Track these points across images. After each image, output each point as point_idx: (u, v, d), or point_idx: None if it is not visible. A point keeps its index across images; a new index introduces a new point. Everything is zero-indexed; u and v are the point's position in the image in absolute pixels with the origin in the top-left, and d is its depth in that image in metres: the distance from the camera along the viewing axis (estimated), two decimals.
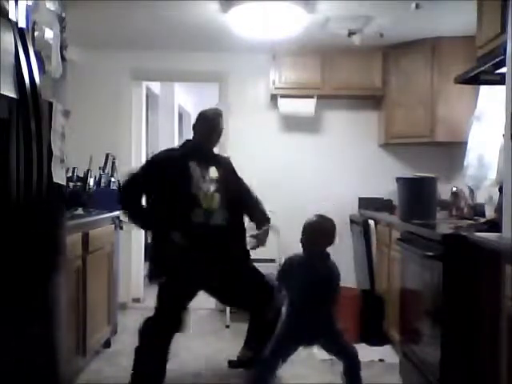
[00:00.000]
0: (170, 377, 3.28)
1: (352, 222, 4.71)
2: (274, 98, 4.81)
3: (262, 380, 2.69)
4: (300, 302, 2.67)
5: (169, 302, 3.11)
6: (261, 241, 3.24)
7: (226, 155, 3.43)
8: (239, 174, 3.33)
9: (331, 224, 2.77)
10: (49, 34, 2.03)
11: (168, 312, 3.06)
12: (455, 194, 3.76)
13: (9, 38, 1.70)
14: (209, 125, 3.16)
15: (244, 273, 3.15)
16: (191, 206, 2.97)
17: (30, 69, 1.77)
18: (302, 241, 2.74)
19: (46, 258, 1.99)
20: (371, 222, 4.16)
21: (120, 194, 3.20)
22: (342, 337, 2.72)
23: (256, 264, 3.38)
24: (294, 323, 2.68)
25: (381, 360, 3.59)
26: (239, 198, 3.20)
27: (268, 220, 3.32)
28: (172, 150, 3.30)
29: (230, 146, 4.82)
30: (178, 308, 3.08)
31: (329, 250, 2.76)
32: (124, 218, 3.37)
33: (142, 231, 5.34)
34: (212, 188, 3.04)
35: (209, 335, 3.93)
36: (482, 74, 2.99)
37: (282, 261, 2.96)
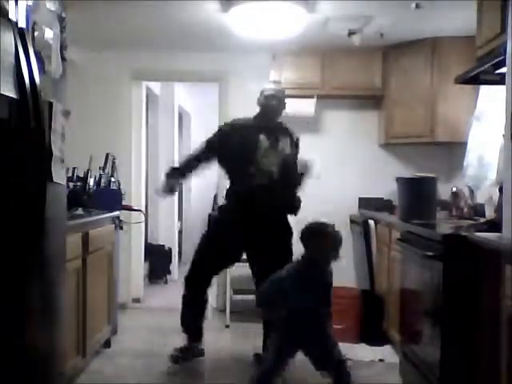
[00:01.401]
0: (169, 377, 3.28)
1: (352, 221, 4.70)
2: None
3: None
4: (299, 311, 2.63)
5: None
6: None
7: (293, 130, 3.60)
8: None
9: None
10: (49, 33, 2.03)
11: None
12: (455, 194, 3.76)
13: (9, 38, 1.70)
14: (274, 101, 3.43)
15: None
16: (250, 165, 3.30)
17: (30, 69, 1.77)
18: (319, 246, 2.68)
19: (45, 259, 1.99)
20: (371, 222, 4.16)
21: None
22: (336, 350, 2.68)
23: None
24: (292, 332, 2.64)
25: (381, 360, 3.59)
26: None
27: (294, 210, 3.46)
28: (244, 119, 3.51)
29: None
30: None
31: None
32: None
33: (143, 231, 5.36)
34: (277, 158, 3.35)
35: (209, 335, 3.92)
36: (481, 74, 2.99)
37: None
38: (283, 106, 3.50)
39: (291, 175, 3.39)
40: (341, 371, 2.66)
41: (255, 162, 3.30)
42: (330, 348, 2.67)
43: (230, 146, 3.37)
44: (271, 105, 3.41)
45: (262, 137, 3.34)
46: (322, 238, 2.69)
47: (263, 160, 3.32)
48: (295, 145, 3.50)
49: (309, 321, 2.63)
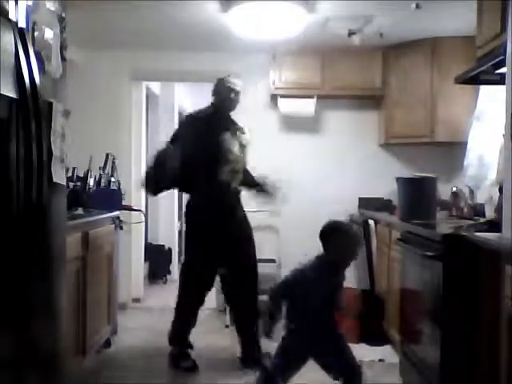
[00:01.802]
0: (169, 377, 3.28)
1: (352, 221, 4.70)
2: (273, 98, 4.81)
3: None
4: (312, 314, 2.51)
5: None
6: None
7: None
8: None
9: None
10: (49, 33, 2.03)
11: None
12: (455, 194, 3.76)
13: (9, 38, 1.70)
14: (226, 88, 3.45)
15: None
16: (220, 165, 3.31)
17: (30, 69, 1.77)
18: (341, 246, 2.54)
19: (45, 259, 1.99)
20: (371, 222, 4.16)
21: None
22: (349, 352, 2.57)
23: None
24: (303, 336, 2.52)
25: (381, 360, 3.59)
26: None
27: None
28: (206, 111, 3.51)
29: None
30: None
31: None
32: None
33: (143, 231, 5.36)
34: (239, 152, 3.42)
35: (209, 335, 3.93)
36: (482, 74, 2.99)
37: (282, 275, 2.77)
38: (239, 99, 3.51)
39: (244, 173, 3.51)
40: (355, 378, 2.55)
41: (222, 159, 3.34)
42: (343, 348, 2.56)
43: (191, 141, 3.36)
44: (231, 98, 3.44)
45: (225, 131, 3.39)
46: (343, 238, 2.56)
47: (230, 157, 3.37)
48: (247, 137, 3.55)
49: (320, 321, 2.53)
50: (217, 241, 3.34)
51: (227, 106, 3.47)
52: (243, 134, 3.52)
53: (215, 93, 3.48)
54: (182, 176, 3.37)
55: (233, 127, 3.47)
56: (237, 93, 3.47)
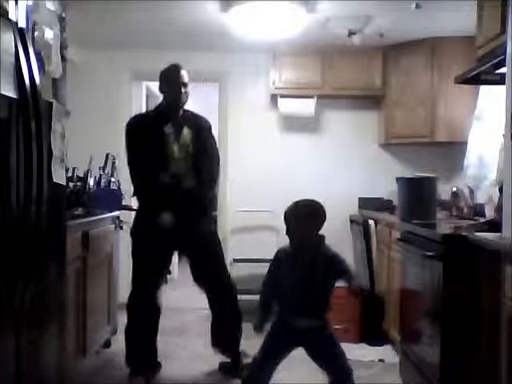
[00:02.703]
0: (170, 377, 3.28)
1: (352, 221, 4.70)
2: (273, 98, 4.81)
3: (254, 381, 2.60)
4: (289, 298, 2.52)
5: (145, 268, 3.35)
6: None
7: (203, 117, 3.39)
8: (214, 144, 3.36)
9: (316, 203, 2.65)
10: (49, 33, 2.03)
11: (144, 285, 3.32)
12: (455, 194, 3.75)
13: (9, 38, 1.70)
14: (173, 82, 3.20)
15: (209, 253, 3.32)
16: (160, 170, 3.10)
17: (30, 69, 1.77)
18: (288, 230, 2.56)
19: (45, 259, 1.99)
20: (371, 222, 4.15)
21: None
22: (336, 345, 2.56)
23: (255, 264, 3.39)
24: (284, 321, 2.54)
25: (381, 360, 3.59)
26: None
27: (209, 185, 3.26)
28: (146, 114, 3.40)
29: (229, 145, 4.83)
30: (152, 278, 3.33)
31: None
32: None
33: None
34: (181, 152, 3.14)
35: (208, 335, 3.92)
36: (482, 74, 2.99)
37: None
38: (186, 91, 3.21)
39: (202, 170, 3.17)
40: (341, 371, 2.56)
41: (162, 159, 3.11)
42: (333, 348, 2.55)
43: (136, 144, 3.16)
44: (175, 91, 3.17)
45: (166, 129, 3.13)
46: (286, 218, 2.58)
47: (169, 157, 3.12)
48: (201, 134, 3.24)
49: (303, 307, 2.51)
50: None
51: (175, 102, 3.19)
52: (197, 129, 3.22)
53: (160, 90, 3.28)
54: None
55: (184, 122, 3.19)
56: (185, 85, 3.21)
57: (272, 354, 2.55)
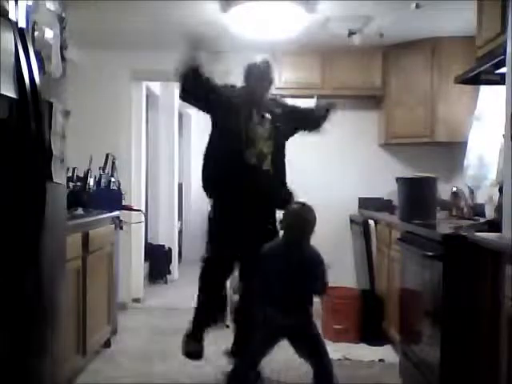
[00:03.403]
0: (170, 377, 3.28)
1: (352, 221, 4.71)
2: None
3: (241, 375, 2.71)
4: (273, 293, 2.67)
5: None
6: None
7: (284, 101, 3.42)
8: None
9: (313, 212, 2.75)
10: (49, 33, 2.03)
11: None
12: (455, 194, 3.76)
13: (9, 38, 1.70)
14: (259, 74, 3.23)
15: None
16: (246, 147, 3.06)
17: (30, 69, 1.77)
18: (286, 227, 2.74)
19: (45, 259, 1.99)
20: (371, 221, 4.16)
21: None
22: (318, 340, 2.72)
23: None
24: (267, 316, 2.69)
25: (381, 360, 3.59)
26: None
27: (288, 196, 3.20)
28: (239, 90, 3.31)
29: None
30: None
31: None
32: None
33: (143, 231, 5.36)
34: (266, 134, 3.13)
35: (209, 335, 3.91)
36: (482, 73, 2.99)
37: None
38: (268, 81, 3.23)
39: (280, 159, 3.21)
40: (322, 367, 2.68)
41: (246, 138, 3.08)
42: (316, 347, 2.70)
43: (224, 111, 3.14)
44: (255, 80, 3.22)
45: (253, 111, 3.15)
46: (291, 217, 2.74)
47: (253, 138, 3.10)
48: (281, 116, 3.23)
49: (287, 305, 2.66)
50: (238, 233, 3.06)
51: (256, 91, 3.21)
52: (275, 114, 3.21)
53: (245, 78, 3.30)
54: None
55: (268, 106, 3.21)
56: (265, 75, 3.23)
57: (258, 349, 2.71)
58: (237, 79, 3.37)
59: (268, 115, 3.19)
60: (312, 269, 2.69)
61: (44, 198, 1.82)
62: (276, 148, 3.17)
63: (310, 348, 2.71)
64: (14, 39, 1.72)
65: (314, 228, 2.72)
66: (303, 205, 2.77)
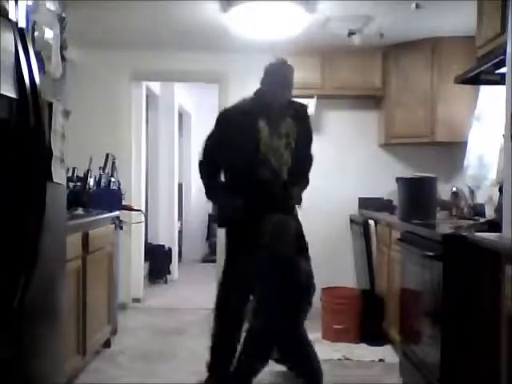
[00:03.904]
0: (169, 377, 3.28)
1: (352, 221, 4.70)
2: None
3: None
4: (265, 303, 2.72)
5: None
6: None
7: (301, 103, 3.22)
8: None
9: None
10: (49, 34, 2.03)
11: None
12: (455, 194, 3.76)
13: (9, 38, 1.70)
14: (278, 78, 3.04)
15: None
16: (259, 165, 2.88)
17: (30, 69, 1.77)
18: (273, 242, 2.71)
19: (45, 259, 1.99)
20: (371, 222, 4.16)
21: (199, 169, 3.10)
22: (308, 349, 2.74)
23: None
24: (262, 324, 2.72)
25: (381, 360, 3.59)
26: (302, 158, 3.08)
27: (296, 200, 3.02)
28: (243, 104, 3.11)
29: None
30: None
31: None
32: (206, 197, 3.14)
33: (143, 231, 5.36)
34: (283, 145, 2.94)
35: (209, 335, 3.92)
36: (482, 73, 2.99)
37: None
38: (288, 83, 3.06)
39: (299, 167, 2.99)
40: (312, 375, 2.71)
41: (257, 154, 2.87)
42: (305, 349, 2.73)
43: (228, 138, 2.95)
44: (272, 82, 3.00)
45: (261, 123, 2.92)
46: (272, 228, 2.72)
47: (265, 152, 2.89)
48: (302, 121, 3.07)
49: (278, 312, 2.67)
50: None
51: (271, 94, 3.01)
52: (297, 117, 3.04)
53: (262, 81, 3.06)
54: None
55: (285, 112, 3.01)
56: (290, 84, 3.05)
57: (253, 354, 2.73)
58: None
59: (288, 120, 3.00)
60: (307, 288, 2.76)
61: (44, 198, 1.82)
62: (295, 157, 2.97)
63: (300, 353, 2.75)
64: (14, 39, 1.72)
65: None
66: (284, 216, 2.75)
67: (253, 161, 2.89)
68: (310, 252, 2.99)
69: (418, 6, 3.53)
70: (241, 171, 2.92)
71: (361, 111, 4.93)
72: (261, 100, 3.02)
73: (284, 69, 3.08)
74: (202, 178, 3.11)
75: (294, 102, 3.14)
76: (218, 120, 3.11)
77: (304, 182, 3.10)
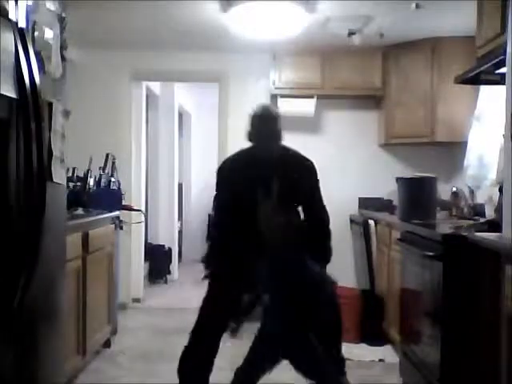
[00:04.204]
0: (169, 377, 3.28)
1: (352, 221, 4.71)
2: (273, 97, 4.80)
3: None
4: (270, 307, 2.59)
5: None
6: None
7: (305, 158, 2.99)
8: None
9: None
10: (49, 33, 2.03)
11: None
12: (455, 194, 3.76)
13: (9, 38, 1.70)
14: (261, 130, 2.79)
15: None
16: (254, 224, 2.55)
17: (30, 69, 1.77)
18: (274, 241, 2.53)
19: (45, 258, 1.99)
20: (371, 222, 4.16)
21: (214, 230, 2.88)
22: (318, 356, 2.53)
23: None
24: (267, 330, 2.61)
25: (381, 360, 3.59)
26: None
27: (326, 259, 2.73)
28: (238, 156, 2.88)
29: (229, 146, 4.82)
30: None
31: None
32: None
33: (143, 231, 5.36)
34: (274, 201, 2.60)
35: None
36: (482, 73, 2.99)
37: None
38: (276, 130, 2.82)
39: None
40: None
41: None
42: (316, 357, 2.52)
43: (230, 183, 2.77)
44: (260, 132, 2.77)
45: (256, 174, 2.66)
46: (261, 220, 2.54)
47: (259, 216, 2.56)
48: (300, 177, 2.87)
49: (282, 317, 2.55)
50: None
51: (261, 144, 2.78)
52: (295, 171, 2.83)
53: (249, 135, 2.79)
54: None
55: (281, 166, 2.77)
56: (277, 135, 2.80)
57: (258, 363, 2.64)
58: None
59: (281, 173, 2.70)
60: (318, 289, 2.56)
61: (44, 198, 1.82)
62: (287, 210, 2.72)
63: (309, 358, 2.55)
64: (14, 39, 1.72)
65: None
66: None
67: (246, 221, 2.61)
68: None
69: (417, 6, 3.53)
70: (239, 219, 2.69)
71: (361, 111, 4.93)
72: (252, 153, 2.79)
73: (268, 119, 2.82)
74: (213, 237, 2.87)
75: (298, 155, 2.95)
76: (218, 171, 2.90)
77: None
